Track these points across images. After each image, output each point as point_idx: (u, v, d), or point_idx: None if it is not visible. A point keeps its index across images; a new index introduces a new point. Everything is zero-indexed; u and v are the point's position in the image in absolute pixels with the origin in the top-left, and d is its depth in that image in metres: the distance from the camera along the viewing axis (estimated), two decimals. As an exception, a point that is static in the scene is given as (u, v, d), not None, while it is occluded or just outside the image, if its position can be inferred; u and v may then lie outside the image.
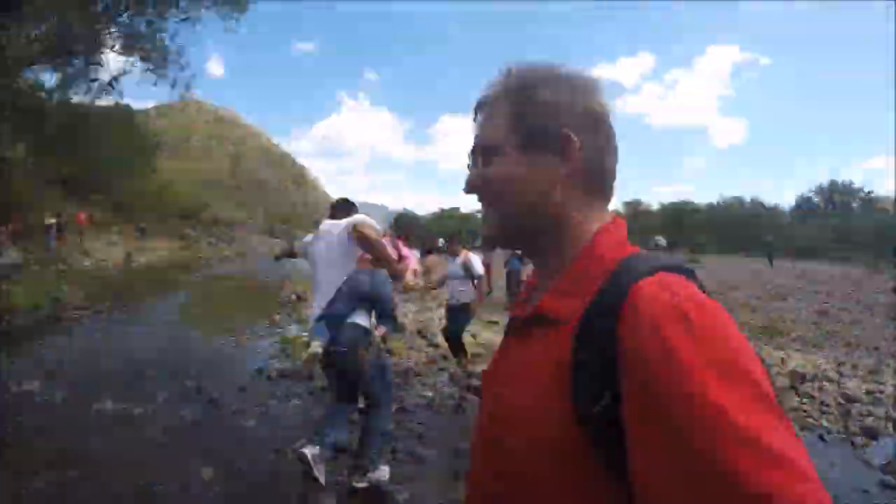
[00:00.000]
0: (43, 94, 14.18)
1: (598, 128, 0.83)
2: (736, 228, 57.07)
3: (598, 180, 0.85)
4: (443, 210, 73.28)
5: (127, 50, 14.69)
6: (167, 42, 14.89)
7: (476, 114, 0.90)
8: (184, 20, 14.52)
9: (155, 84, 15.30)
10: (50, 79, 14.73)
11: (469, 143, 0.89)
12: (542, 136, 0.82)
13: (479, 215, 0.90)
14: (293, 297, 14.04)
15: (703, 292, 0.69)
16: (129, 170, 24.23)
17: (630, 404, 0.62)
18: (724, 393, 0.55)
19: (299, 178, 73.16)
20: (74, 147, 15.67)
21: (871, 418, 5.71)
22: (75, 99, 15.22)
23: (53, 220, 20.13)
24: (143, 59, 14.75)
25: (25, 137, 12.73)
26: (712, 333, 0.60)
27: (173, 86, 15.19)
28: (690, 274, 0.73)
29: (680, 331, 0.60)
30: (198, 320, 11.89)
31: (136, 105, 34.95)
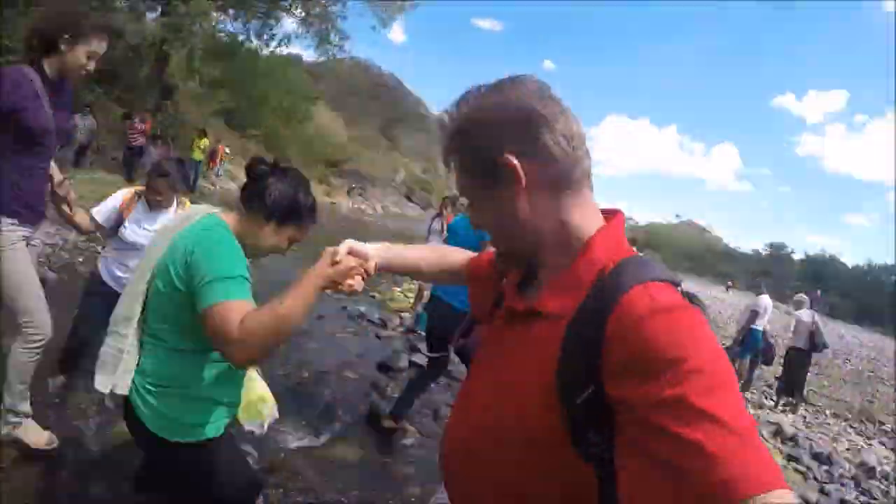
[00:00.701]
0: (223, 36, 16.01)
1: (539, 131, 0.85)
2: (881, 297, 54.87)
3: (563, 177, 0.87)
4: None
5: (303, 20, 16.51)
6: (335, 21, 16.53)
7: (447, 165, 0.96)
8: None
9: (318, 45, 16.57)
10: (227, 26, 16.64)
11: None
12: (490, 173, 0.88)
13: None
14: None
15: (686, 299, 0.78)
16: (284, 112, 26.68)
17: (612, 386, 0.71)
18: (686, 380, 0.65)
19: (446, 149, 75.05)
20: (241, 85, 17.53)
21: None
22: (252, 47, 17.00)
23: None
24: (308, 23, 16.33)
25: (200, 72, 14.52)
26: (684, 330, 0.71)
27: (328, 48, 16.42)
28: (676, 284, 0.81)
29: (657, 328, 0.70)
30: (310, 254, 12.72)
31: (308, 58, 37.68)
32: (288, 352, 5.46)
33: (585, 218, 0.89)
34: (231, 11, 16.13)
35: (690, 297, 0.80)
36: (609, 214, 0.94)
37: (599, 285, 0.79)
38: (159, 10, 14.82)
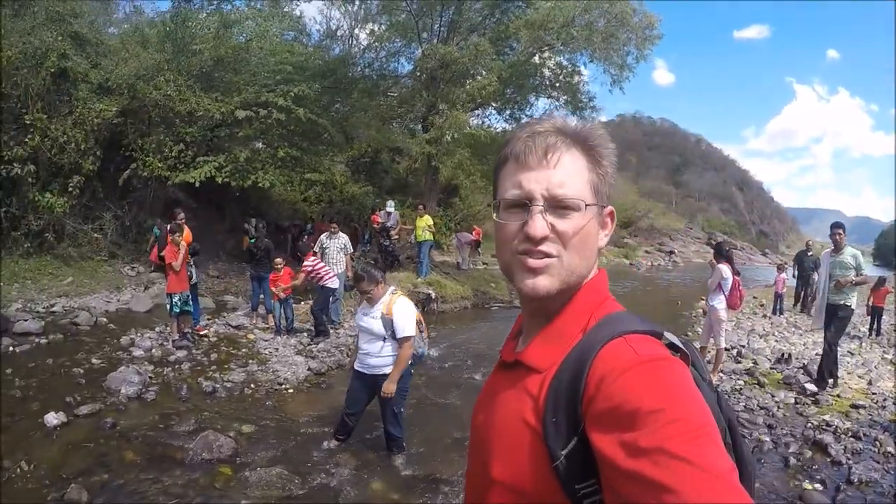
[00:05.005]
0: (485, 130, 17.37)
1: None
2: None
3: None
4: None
5: (550, 96, 17.73)
6: (580, 87, 17.23)
7: (544, 155, 0.88)
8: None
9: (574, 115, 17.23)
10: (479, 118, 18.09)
11: (539, 184, 0.87)
12: (604, 206, 0.92)
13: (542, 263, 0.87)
14: (701, 311, 14.53)
15: (667, 350, 0.80)
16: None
17: (594, 437, 0.71)
18: (664, 430, 0.65)
19: (742, 183, 69.33)
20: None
21: None
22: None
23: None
24: (561, 102, 17.34)
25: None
26: (663, 381, 0.71)
27: (584, 118, 16.99)
28: (657, 336, 0.82)
29: (635, 379, 0.71)
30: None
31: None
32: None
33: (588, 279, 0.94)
34: (488, 109, 17.38)
35: (674, 348, 0.83)
36: None
37: (582, 340, 0.83)
38: (420, 126, 16.71)
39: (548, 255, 0.86)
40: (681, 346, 0.85)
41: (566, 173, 0.87)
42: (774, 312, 14.44)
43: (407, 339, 4.53)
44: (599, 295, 0.91)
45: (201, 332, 8.26)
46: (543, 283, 0.87)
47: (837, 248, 7.01)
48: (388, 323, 4.50)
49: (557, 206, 0.86)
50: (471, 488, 0.98)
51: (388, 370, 4.58)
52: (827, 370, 7.09)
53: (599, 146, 0.91)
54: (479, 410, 1.02)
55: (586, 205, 0.87)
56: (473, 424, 1.03)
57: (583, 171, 0.89)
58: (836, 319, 7.03)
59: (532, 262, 0.87)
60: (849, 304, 6.94)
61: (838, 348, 7.57)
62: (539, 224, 0.85)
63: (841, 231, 7.07)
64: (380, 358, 4.61)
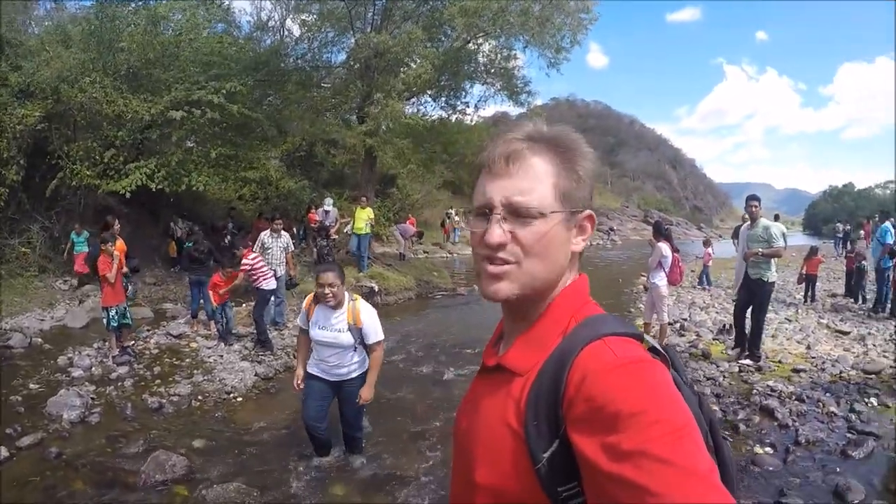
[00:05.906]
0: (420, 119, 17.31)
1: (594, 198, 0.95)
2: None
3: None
4: (831, 186, 63.53)
5: (486, 82, 17.52)
6: (515, 72, 17.08)
7: (506, 163, 0.88)
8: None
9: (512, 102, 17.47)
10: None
11: (500, 192, 0.87)
12: (577, 212, 0.90)
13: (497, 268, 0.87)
14: (642, 287, 14.80)
15: (647, 352, 0.81)
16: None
17: (576, 440, 0.72)
18: (645, 432, 0.65)
19: (675, 161, 71.75)
20: (454, 155, 18.54)
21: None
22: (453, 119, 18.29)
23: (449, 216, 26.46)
24: (497, 88, 17.31)
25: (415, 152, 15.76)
26: (642, 383, 0.72)
27: (520, 103, 17.49)
28: (637, 338, 0.83)
29: (615, 381, 0.72)
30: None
31: (515, 111, 39.55)
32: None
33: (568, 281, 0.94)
34: (423, 97, 17.23)
35: (654, 351, 0.84)
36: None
37: (561, 343, 0.84)
38: (355, 116, 16.53)
39: (506, 262, 0.87)
40: (661, 349, 0.86)
41: (528, 180, 0.87)
42: (708, 284, 15.14)
43: (380, 342, 4.41)
44: (579, 299, 0.92)
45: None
46: (502, 288, 0.87)
47: (753, 221, 7.19)
48: (358, 332, 4.32)
49: (517, 213, 0.86)
50: (455, 492, 0.99)
51: (355, 374, 4.43)
52: (754, 344, 7.28)
53: (572, 150, 0.90)
54: (462, 415, 1.03)
55: (551, 212, 0.86)
56: (456, 429, 1.03)
57: (548, 177, 0.87)
58: (755, 297, 7.21)
59: (491, 268, 0.87)
60: (764, 279, 7.03)
61: (773, 314, 7.91)
62: (496, 232, 0.86)
63: (756, 203, 7.25)
64: (349, 366, 4.43)
